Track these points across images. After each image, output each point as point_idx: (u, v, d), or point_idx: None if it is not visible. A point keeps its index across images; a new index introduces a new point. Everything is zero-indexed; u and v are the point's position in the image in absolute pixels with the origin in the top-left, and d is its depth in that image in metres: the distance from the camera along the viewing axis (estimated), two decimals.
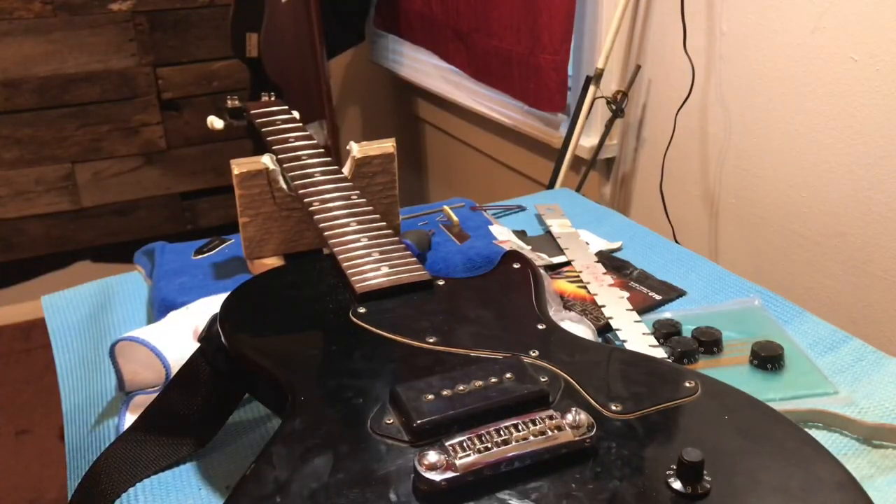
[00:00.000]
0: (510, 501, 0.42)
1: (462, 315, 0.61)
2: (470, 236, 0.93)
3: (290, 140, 0.82)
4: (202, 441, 0.62)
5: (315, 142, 0.83)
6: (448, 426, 0.46)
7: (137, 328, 0.71)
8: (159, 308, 0.79)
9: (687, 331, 0.72)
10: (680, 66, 1.42)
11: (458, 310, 0.61)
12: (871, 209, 1.15)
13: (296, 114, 0.89)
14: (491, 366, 0.52)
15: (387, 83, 2.54)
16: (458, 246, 0.90)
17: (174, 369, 0.66)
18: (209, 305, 0.74)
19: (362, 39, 2.40)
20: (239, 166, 0.79)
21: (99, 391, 0.73)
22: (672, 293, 0.82)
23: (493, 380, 0.50)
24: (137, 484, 0.59)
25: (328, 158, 0.80)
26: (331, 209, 0.73)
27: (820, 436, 0.60)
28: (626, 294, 0.80)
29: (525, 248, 0.87)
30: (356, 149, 0.85)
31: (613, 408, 0.49)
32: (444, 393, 0.48)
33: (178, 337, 0.69)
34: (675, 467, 0.44)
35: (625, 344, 0.71)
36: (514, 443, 0.44)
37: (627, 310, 0.77)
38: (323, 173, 0.78)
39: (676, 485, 0.43)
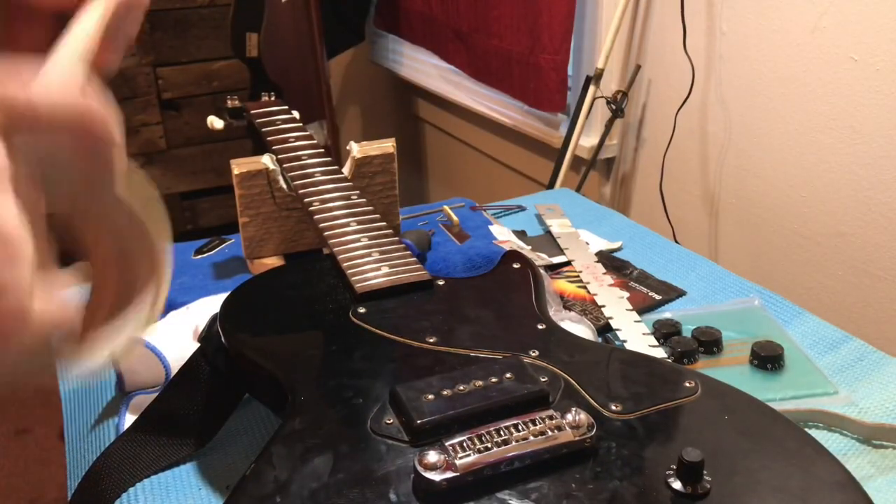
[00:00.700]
0: (510, 501, 0.42)
1: (462, 315, 0.61)
2: (470, 236, 0.93)
3: (290, 140, 0.82)
4: (202, 441, 0.62)
5: (315, 142, 0.83)
6: (448, 426, 0.46)
7: None
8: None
9: (687, 331, 0.72)
10: (680, 66, 1.42)
11: (458, 310, 0.61)
12: (871, 209, 1.15)
13: (296, 114, 0.89)
14: (491, 366, 0.52)
15: (387, 83, 2.54)
16: (458, 246, 0.90)
17: (174, 369, 0.66)
18: (209, 305, 0.74)
19: (362, 39, 2.40)
20: (239, 166, 0.79)
21: (99, 391, 0.73)
22: (672, 293, 0.82)
23: (493, 380, 0.50)
24: (137, 484, 0.59)
25: (328, 158, 0.80)
26: (331, 209, 0.73)
27: (820, 436, 0.60)
28: (626, 294, 0.80)
29: (525, 248, 0.87)
30: (356, 149, 0.85)
31: (613, 408, 0.49)
32: (444, 393, 0.48)
33: (177, 337, 0.69)
34: (674, 467, 0.44)
35: (625, 344, 0.71)
36: (514, 443, 0.44)
37: (627, 310, 0.77)
38: (323, 173, 0.78)
39: (676, 485, 0.43)
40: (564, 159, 1.57)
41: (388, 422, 0.47)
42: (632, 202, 1.68)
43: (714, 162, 1.43)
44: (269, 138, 0.83)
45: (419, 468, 0.42)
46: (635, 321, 0.74)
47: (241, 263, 0.85)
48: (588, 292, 0.81)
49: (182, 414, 0.61)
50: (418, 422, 0.46)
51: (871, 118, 1.12)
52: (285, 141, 0.82)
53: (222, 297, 0.65)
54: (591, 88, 1.53)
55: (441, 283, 0.65)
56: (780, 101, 1.26)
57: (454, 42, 2.00)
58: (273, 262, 0.83)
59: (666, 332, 0.72)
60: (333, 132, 2.19)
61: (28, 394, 1.98)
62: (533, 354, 0.55)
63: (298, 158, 0.79)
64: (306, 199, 0.74)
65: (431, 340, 0.57)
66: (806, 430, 0.49)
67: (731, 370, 0.68)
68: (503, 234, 0.93)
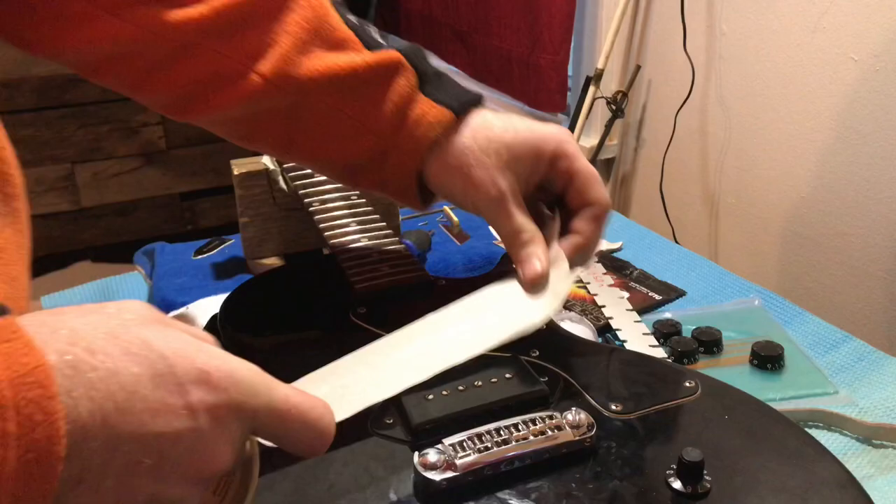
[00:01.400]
0: (510, 501, 0.42)
1: None
2: (470, 236, 0.93)
3: None
4: None
5: None
6: (448, 426, 0.46)
7: None
8: (159, 308, 0.79)
9: (687, 331, 0.72)
10: (680, 66, 1.42)
11: None
12: (871, 209, 1.15)
13: None
14: (491, 365, 0.52)
15: None
16: (458, 246, 0.90)
17: None
18: (209, 305, 0.74)
19: None
20: (239, 166, 0.79)
21: None
22: (672, 293, 0.82)
23: (493, 379, 0.50)
24: None
25: None
26: (331, 209, 0.73)
27: (820, 436, 0.60)
28: (626, 294, 0.80)
29: None
30: None
31: (613, 408, 0.49)
32: (444, 392, 0.48)
33: None
34: (675, 467, 0.44)
35: (625, 344, 0.71)
36: (514, 442, 0.44)
37: (627, 310, 0.77)
38: None
39: (676, 484, 0.43)
40: None
41: (388, 421, 0.47)
42: (632, 202, 1.68)
43: (714, 162, 1.43)
44: None
45: (419, 468, 0.42)
46: (635, 321, 0.74)
47: (241, 263, 0.85)
48: (588, 292, 0.81)
49: None
50: (418, 421, 0.46)
51: (871, 118, 1.12)
52: None
53: (222, 297, 0.65)
54: (591, 89, 1.53)
55: (441, 283, 0.65)
56: (780, 101, 1.26)
57: (454, 42, 2.00)
58: (273, 262, 0.83)
59: (666, 332, 0.72)
60: None
61: None
62: (533, 354, 0.55)
63: None
64: (306, 200, 0.74)
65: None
66: (806, 430, 0.49)
67: (731, 370, 0.68)
68: None
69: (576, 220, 0.55)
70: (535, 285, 0.53)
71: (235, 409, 0.32)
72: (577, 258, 0.55)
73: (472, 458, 0.43)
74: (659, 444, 0.47)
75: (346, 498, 0.42)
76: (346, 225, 0.71)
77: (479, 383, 0.50)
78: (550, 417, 0.46)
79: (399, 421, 0.47)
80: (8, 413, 0.25)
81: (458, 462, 0.43)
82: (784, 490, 0.43)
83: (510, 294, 0.54)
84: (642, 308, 0.79)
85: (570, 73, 1.69)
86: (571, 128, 1.56)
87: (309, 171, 0.78)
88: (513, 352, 0.53)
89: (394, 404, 0.48)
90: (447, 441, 0.44)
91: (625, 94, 1.53)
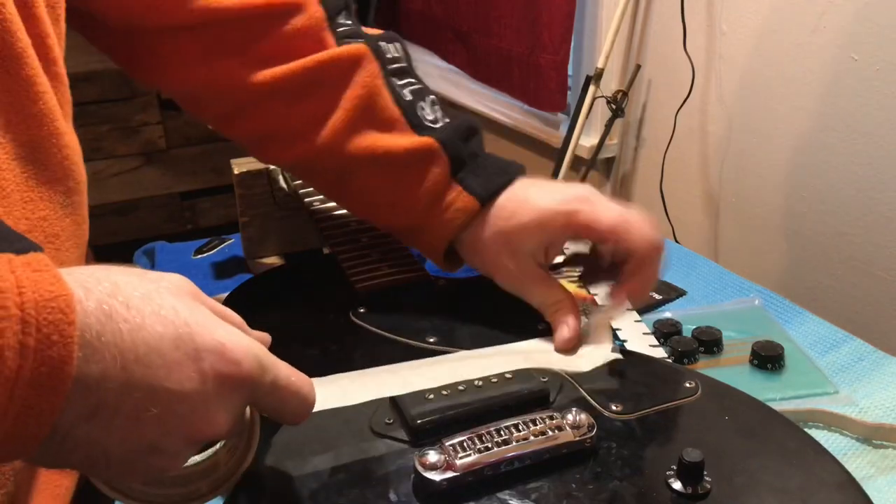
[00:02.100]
0: (510, 501, 0.42)
1: (462, 315, 0.61)
2: None
3: None
4: None
5: None
6: (448, 426, 0.46)
7: None
8: None
9: (687, 331, 0.72)
10: (680, 66, 1.42)
11: (458, 309, 0.61)
12: (872, 209, 1.15)
13: None
14: None
15: None
16: None
17: None
18: None
19: None
20: (239, 166, 0.79)
21: None
22: (672, 293, 0.82)
23: (493, 380, 0.50)
24: None
25: None
26: (331, 209, 0.73)
27: (820, 436, 0.60)
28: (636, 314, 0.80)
29: None
30: None
31: (613, 408, 0.49)
32: (444, 392, 0.48)
33: None
34: (675, 467, 0.44)
35: (625, 344, 0.71)
36: (514, 443, 0.44)
37: (627, 310, 0.77)
38: None
39: (676, 485, 0.43)
40: (564, 159, 1.57)
41: (388, 421, 0.47)
42: (632, 202, 1.68)
43: (714, 162, 1.43)
44: None
45: (419, 468, 0.42)
46: (635, 321, 0.74)
47: (240, 263, 0.85)
48: (588, 292, 0.81)
49: None
50: (418, 421, 0.46)
51: (871, 118, 1.12)
52: None
53: (222, 296, 0.65)
54: (591, 88, 1.53)
55: (441, 282, 0.65)
56: (780, 101, 1.26)
57: (454, 42, 2.00)
58: (273, 261, 0.83)
59: (666, 332, 0.72)
60: None
61: None
62: None
63: None
64: (306, 199, 0.74)
65: (431, 340, 0.57)
66: (806, 430, 0.49)
67: (731, 370, 0.68)
68: None
69: (626, 267, 0.57)
70: (566, 349, 0.56)
71: (241, 383, 0.36)
72: (633, 301, 0.60)
73: (472, 458, 0.43)
74: (659, 445, 0.47)
75: (346, 498, 0.42)
76: (347, 225, 0.71)
77: (480, 383, 0.50)
78: (551, 418, 0.46)
79: (399, 421, 0.47)
80: (30, 329, 0.29)
81: (458, 462, 0.43)
82: (784, 490, 0.43)
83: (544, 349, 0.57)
84: (642, 308, 0.79)
85: (570, 72, 1.69)
86: (571, 127, 1.56)
87: None
88: None
89: (394, 404, 0.48)
90: (447, 441, 0.44)
91: (625, 94, 1.53)
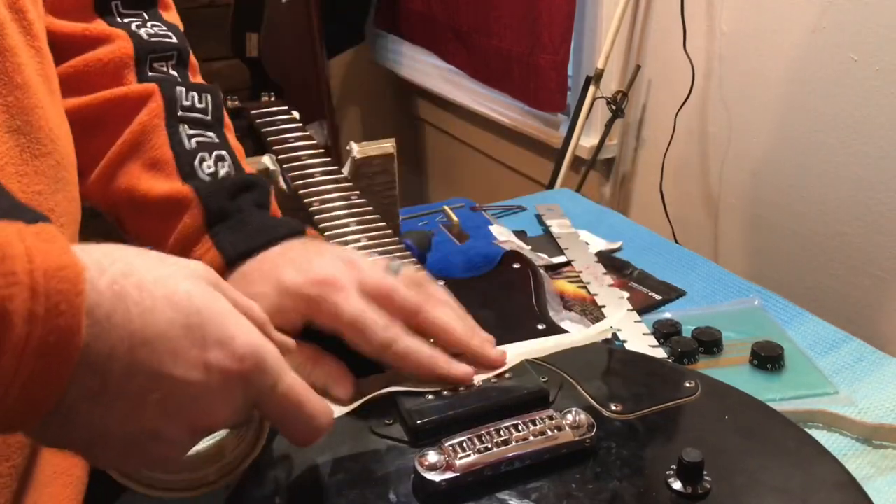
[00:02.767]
0: (510, 501, 0.42)
1: None
2: (470, 236, 0.93)
3: (290, 140, 0.82)
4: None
5: (315, 142, 0.83)
6: (448, 426, 0.46)
7: None
8: None
9: (687, 331, 0.72)
10: (680, 66, 1.42)
11: None
12: (871, 209, 1.15)
13: (296, 114, 0.89)
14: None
15: (387, 83, 2.54)
16: (458, 246, 0.90)
17: None
18: None
19: (362, 39, 2.40)
20: None
21: None
22: (672, 293, 0.82)
23: (493, 380, 0.50)
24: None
25: (328, 159, 0.80)
26: (331, 209, 0.73)
27: (820, 436, 0.60)
28: (627, 294, 0.80)
29: (525, 249, 0.87)
30: (356, 149, 0.85)
31: (613, 408, 0.49)
32: (444, 393, 0.48)
33: None
34: (674, 467, 0.44)
35: (625, 344, 0.71)
36: (514, 443, 0.44)
37: (627, 310, 0.77)
38: (323, 173, 0.78)
39: (676, 485, 0.43)
40: (564, 159, 1.57)
41: (388, 422, 0.47)
42: (632, 202, 1.68)
43: (714, 162, 1.43)
44: (269, 139, 0.83)
45: (419, 468, 0.42)
46: (635, 321, 0.74)
47: None
48: (588, 292, 0.81)
49: None
50: (418, 422, 0.46)
51: (871, 118, 1.12)
52: (285, 141, 0.82)
53: None
54: (591, 88, 1.53)
55: (441, 283, 0.65)
56: (780, 101, 1.26)
57: (454, 42, 2.00)
58: None
59: (666, 333, 0.72)
60: (333, 132, 2.19)
61: None
62: None
63: (298, 159, 0.79)
64: (306, 200, 0.74)
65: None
66: (806, 430, 0.49)
67: (731, 370, 0.68)
68: (503, 234, 0.93)
69: None
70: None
71: (244, 381, 0.36)
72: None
73: (472, 458, 0.43)
74: (659, 445, 0.47)
75: (346, 498, 0.42)
76: (346, 225, 0.71)
77: (479, 383, 0.50)
78: (550, 418, 0.46)
79: (399, 421, 0.47)
80: (39, 298, 0.29)
81: (457, 463, 0.43)
82: (784, 490, 0.43)
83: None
84: (642, 308, 0.79)
85: (570, 73, 1.69)
86: (571, 127, 1.56)
87: (309, 171, 0.78)
88: None
89: (394, 405, 0.48)
90: (447, 441, 0.44)
91: (625, 94, 1.53)
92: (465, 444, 0.44)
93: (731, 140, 1.38)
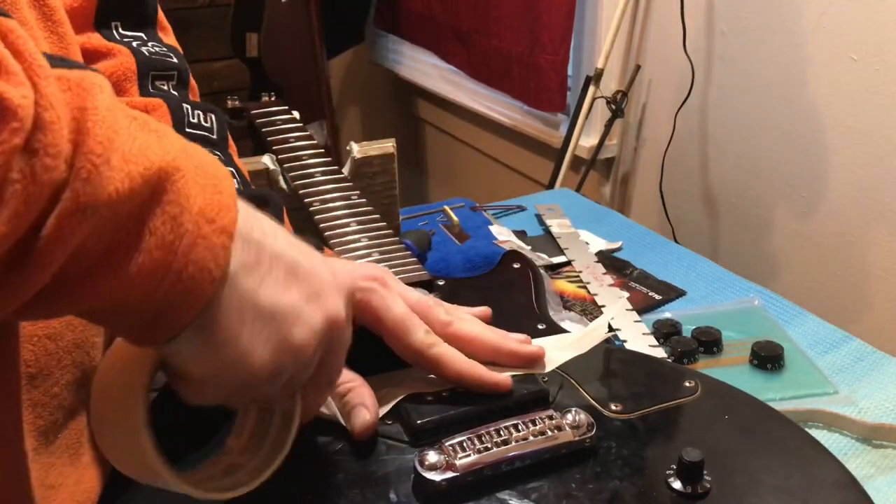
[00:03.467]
0: (510, 501, 0.42)
1: None
2: (470, 236, 0.93)
3: (291, 140, 0.82)
4: (201, 441, 0.62)
5: (315, 142, 0.83)
6: (448, 426, 0.46)
7: None
8: None
9: (687, 331, 0.72)
10: (680, 66, 1.42)
11: None
12: (871, 209, 1.15)
13: (296, 114, 0.89)
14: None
15: (387, 83, 2.54)
16: (458, 246, 0.90)
17: None
18: None
19: (362, 39, 2.40)
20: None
21: None
22: (672, 293, 0.82)
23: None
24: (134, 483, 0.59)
25: (328, 158, 0.80)
26: (331, 209, 0.73)
27: (820, 436, 0.60)
28: (626, 294, 0.80)
29: (525, 249, 0.87)
30: (356, 149, 0.85)
31: (613, 407, 0.49)
32: (444, 393, 0.48)
33: None
34: (674, 467, 0.44)
35: (625, 344, 0.71)
36: (513, 443, 0.44)
37: (627, 310, 0.77)
38: (323, 173, 0.78)
39: (676, 484, 0.43)
40: (564, 159, 1.57)
41: (388, 422, 0.48)
42: (632, 202, 1.68)
43: (714, 162, 1.43)
44: (269, 138, 0.83)
45: (419, 468, 0.42)
46: (635, 321, 0.74)
47: None
48: (588, 292, 0.81)
49: (182, 415, 0.61)
50: (418, 422, 0.46)
51: (871, 118, 1.12)
52: (285, 141, 0.82)
53: None
54: (591, 88, 1.53)
55: (441, 283, 0.65)
56: (780, 101, 1.26)
57: (454, 42, 2.00)
58: None
59: (666, 332, 0.72)
60: (333, 132, 2.19)
61: None
62: None
63: (299, 159, 0.79)
64: (306, 199, 0.74)
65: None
66: (806, 429, 0.49)
67: (731, 370, 0.68)
68: (503, 234, 0.93)
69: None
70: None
71: (324, 353, 0.39)
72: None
73: (472, 458, 0.43)
74: (659, 444, 0.47)
75: (346, 498, 0.42)
76: (346, 225, 0.71)
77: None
78: (550, 418, 0.46)
79: (399, 421, 0.47)
80: (197, 240, 0.32)
81: (458, 462, 0.43)
82: (784, 490, 0.43)
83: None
84: (642, 308, 0.79)
85: (570, 73, 1.69)
86: (571, 127, 1.56)
87: (309, 170, 0.78)
88: None
89: (394, 406, 0.48)
90: (447, 441, 0.44)
91: (625, 94, 1.53)
92: (465, 444, 0.44)
93: (731, 140, 1.38)
